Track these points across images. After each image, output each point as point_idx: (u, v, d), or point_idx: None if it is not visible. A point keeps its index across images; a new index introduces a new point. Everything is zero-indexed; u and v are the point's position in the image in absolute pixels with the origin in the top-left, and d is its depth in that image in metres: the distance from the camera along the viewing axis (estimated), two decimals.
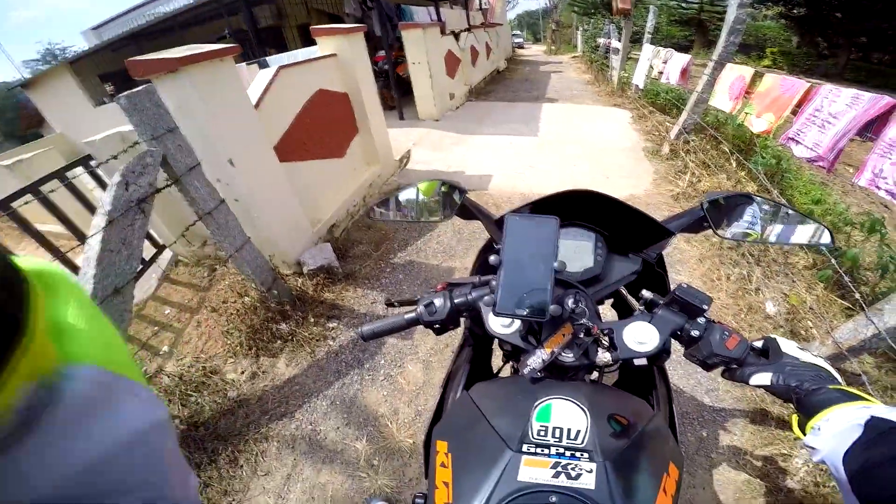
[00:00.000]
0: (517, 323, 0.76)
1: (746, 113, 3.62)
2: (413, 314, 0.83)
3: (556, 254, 0.67)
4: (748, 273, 2.79)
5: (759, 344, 0.72)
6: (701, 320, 0.71)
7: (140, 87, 1.98)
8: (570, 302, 0.72)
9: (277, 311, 2.78)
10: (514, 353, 0.84)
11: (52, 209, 2.88)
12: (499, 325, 0.76)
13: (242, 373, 2.52)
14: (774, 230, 0.84)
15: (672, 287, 0.78)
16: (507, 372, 1.09)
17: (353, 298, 3.04)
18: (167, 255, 3.71)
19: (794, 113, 3.06)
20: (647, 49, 6.83)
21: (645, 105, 7.05)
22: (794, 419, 0.61)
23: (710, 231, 0.87)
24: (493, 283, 0.73)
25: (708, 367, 0.71)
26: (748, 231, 0.86)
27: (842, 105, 2.57)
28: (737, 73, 3.91)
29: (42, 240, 2.87)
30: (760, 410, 2.01)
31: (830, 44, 18.70)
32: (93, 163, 2.94)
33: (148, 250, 3.47)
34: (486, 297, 0.74)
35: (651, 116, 6.49)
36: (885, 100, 2.32)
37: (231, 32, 9.42)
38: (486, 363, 1.07)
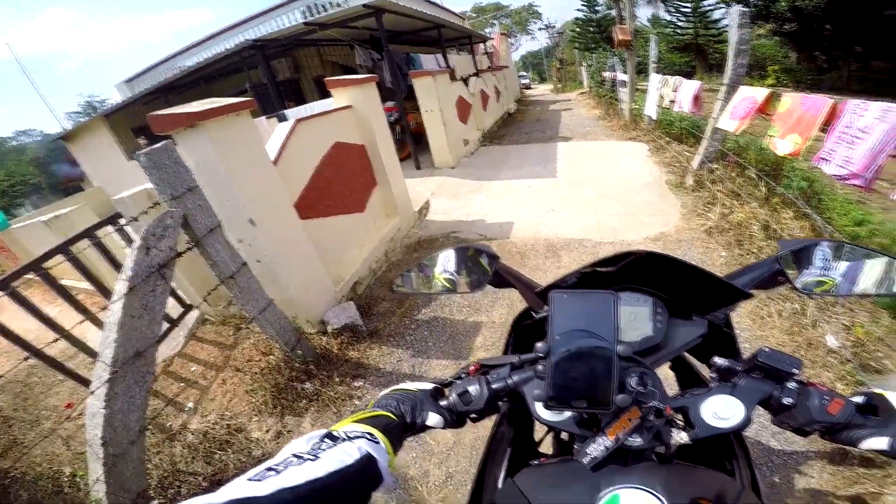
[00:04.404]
0: None
1: (770, 136, 3.52)
2: (445, 403, 0.73)
3: (617, 336, 0.58)
4: (801, 307, 2.60)
5: (859, 399, 0.62)
6: (792, 385, 0.63)
7: (159, 144, 1.99)
8: (633, 382, 0.62)
9: (302, 371, 2.73)
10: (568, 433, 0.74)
11: (81, 269, 2.94)
12: (548, 413, 0.66)
13: (267, 431, 2.47)
14: (860, 279, 0.75)
15: (742, 348, 0.69)
16: (549, 441, 0.97)
17: (378, 357, 2.98)
18: (194, 313, 3.76)
19: (824, 131, 2.95)
20: (655, 79, 6.88)
21: (660, 136, 7.01)
22: None
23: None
24: (540, 368, 0.63)
25: (804, 433, 0.63)
26: (827, 283, 0.76)
27: (870, 119, 2.47)
28: (746, 94, 3.85)
29: (72, 299, 2.93)
30: (839, 451, 1.84)
31: (829, 57, 18.86)
32: (121, 221, 2.99)
33: (176, 309, 3.55)
34: (535, 391, 0.64)
35: (669, 147, 6.41)
36: None
37: (252, 86, 9.88)
38: (527, 435, 0.95)
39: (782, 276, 0.78)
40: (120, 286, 1.83)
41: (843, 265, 0.76)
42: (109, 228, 3.02)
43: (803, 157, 3.19)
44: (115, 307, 1.81)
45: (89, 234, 2.90)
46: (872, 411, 0.60)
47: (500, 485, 0.77)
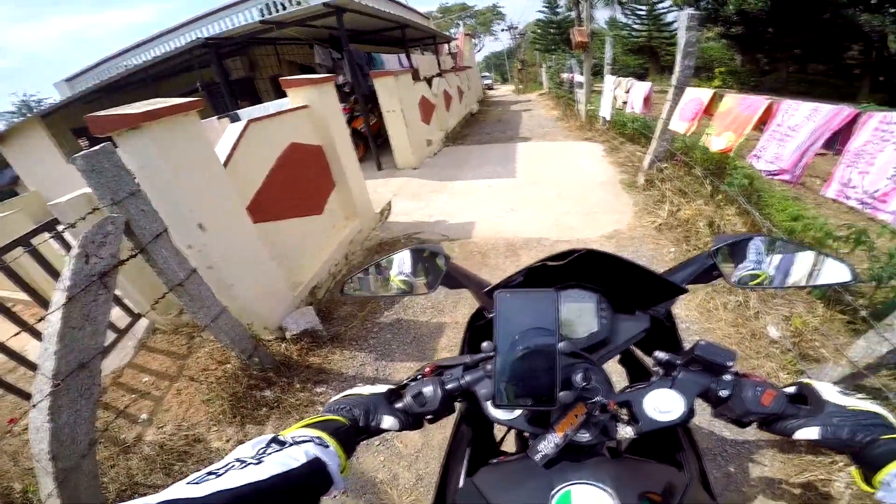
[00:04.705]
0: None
1: (707, 133, 3.70)
2: (401, 405, 0.73)
3: (558, 333, 0.59)
4: (744, 299, 2.75)
5: (792, 390, 0.65)
6: (728, 377, 0.65)
7: (99, 146, 1.88)
8: (578, 378, 0.63)
9: (261, 378, 2.67)
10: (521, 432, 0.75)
11: (16, 279, 2.77)
12: (499, 412, 0.68)
13: (228, 441, 2.41)
14: (791, 273, 0.79)
15: (685, 341, 0.70)
16: (511, 439, 0.99)
17: (340, 361, 2.93)
18: (143, 322, 3.59)
19: (760, 130, 3.11)
20: (609, 80, 7.09)
21: (615, 136, 7.25)
22: (856, 473, 0.56)
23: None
24: (489, 367, 0.64)
25: (742, 424, 0.65)
26: (760, 276, 0.81)
27: (800, 118, 2.62)
28: (692, 95, 4.02)
29: (7, 311, 2.76)
30: (786, 439, 1.93)
31: (770, 59, 20.10)
32: (59, 227, 2.82)
33: (124, 319, 3.41)
34: (483, 390, 0.66)
35: (622, 147, 6.65)
36: (846, 111, 2.35)
37: (203, 85, 9.50)
38: (488, 434, 0.97)
39: (716, 270, 0.81)
40: (58, 296, 1.73)
41: (775, 259, 0.80)
42: (46, 235, 2.85)
43: (736, 154, 3.36)
44: (54, 318, 1.71)
45: (24, 241, 2.72)
46: (803, 401, 0.63)
47: (461, 485, 0.77)
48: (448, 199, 5.97)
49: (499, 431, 0.97)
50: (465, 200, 5.78)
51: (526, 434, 0.78)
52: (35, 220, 4.24)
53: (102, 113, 2.17)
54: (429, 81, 9.76)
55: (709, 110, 3.74)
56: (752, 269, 0.80)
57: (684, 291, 0.79)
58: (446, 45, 18.51)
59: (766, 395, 0.62)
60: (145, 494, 1.45)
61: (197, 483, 0.44)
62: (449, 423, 0.76)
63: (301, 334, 3.00)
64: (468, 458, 0.83)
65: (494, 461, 0.75)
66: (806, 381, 0.66)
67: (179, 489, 0.43)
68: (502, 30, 51.37)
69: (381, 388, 0.74)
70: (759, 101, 3.11)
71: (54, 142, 8.57)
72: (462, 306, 3.27)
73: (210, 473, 0.45)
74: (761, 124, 3.05)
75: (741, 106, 3.29)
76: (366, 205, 4.91)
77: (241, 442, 2.32)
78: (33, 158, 8.66)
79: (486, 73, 42.63)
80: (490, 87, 33.61)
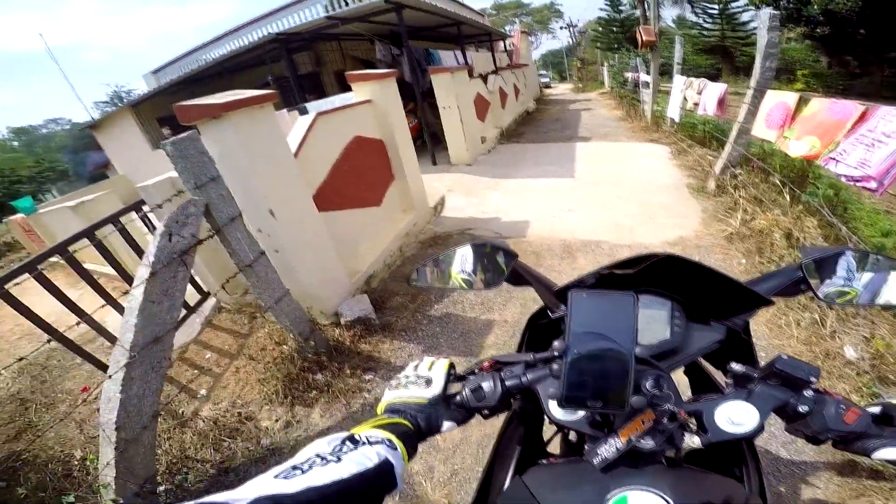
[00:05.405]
0: None
1: (785, 137, 3.42)
2: (458, 399, 0.72)
3: (636, 339, 0.58)
4: (820, 317, 2.54)
5: (876, 410, 0.62)
6: (809, 393, 0.62)
7: (185, 134, 2.03)
8: (649, 384, 0.62)
9: (314, 361, 2.76)
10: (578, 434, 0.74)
11: (105, 253, 3.00)
12: (561, 412, 0.66)
13: (277, 421, 2.49)
14: (883, 291, 0.73)
15: (760, 356, 0.65)
16: (557, 441, 0.96)
17: (390, 350, 2.98)
18: (211, 301, 3.82)
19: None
20: (679, 80, 6.76)
21: (683, 139, 6.87)
22: None
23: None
24: (556, 367, 0.63)
25: (818, 441, 0.62)
26: (849, 293, 0.75)
27: None
28: (776, 99, 3.74)
29: (94, 283, 2.99)
30: (848, 462, 1.81)
31: (861, 62, 18.31)
32: (145, 208, 3.05)
33: (193, 297, 3.59)
34: (550, 390, 0.64)
35: (691, 151, 6.28)
36: None
37: (274, 79, 9.98)
38: (537, 434, 0.94)
39: (805, 284, 0.76)
40: (142, 271, 1.86)
41: (866, 276, 0.74)
42: (133, 215, 3.08)
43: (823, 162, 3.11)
44: (137, 292, 1.84)
45: (113, 219, 2.96)
46: (888, 421, 0.60)
47: (507, 483, 0.77)
48: (502, 196, 5.91)
49: (546, 432, 0.95)
50: (519, 199, 5.68)
51: (572, 438, 0.75)
52: (123, 201, 4.61)
53: (188, 103, 2.32)
54: (484, 78, 9.72)
55: (796, 116, 3.47)
56: (841, 286, 0.75)
57: (770, 303, 0.75)
58: (502, 43, 18.34)
59: (849, 414, 0.59)
60: (193, 469, 1.53)
61: (285, 478, 0.45)
62: (489, 420, 0.75)
63: (355, 321, 3.09)
64: (518, 456, 0.82)
65: (544, 462, 0.74)
66: (893, 400, 0.62)
67: (268, 484, 0.44)
68: (560, 28, 50.18)
69: (437, 387, 0.72)
70: (851, 106, 2.85)
71: (141, 129, 9.27)
72: (511, 305, 3.24)
73: (295, 468, 0.47)
74: (851, 131, 2.81)
75: (830, 110, 3.04)
76: (421, 199, 4.98)
77: (288, 423, 2.43)
78: (123, 144, 9.46)
79: (543, 72, 41.81)
80: (547, 86, 33.00)
